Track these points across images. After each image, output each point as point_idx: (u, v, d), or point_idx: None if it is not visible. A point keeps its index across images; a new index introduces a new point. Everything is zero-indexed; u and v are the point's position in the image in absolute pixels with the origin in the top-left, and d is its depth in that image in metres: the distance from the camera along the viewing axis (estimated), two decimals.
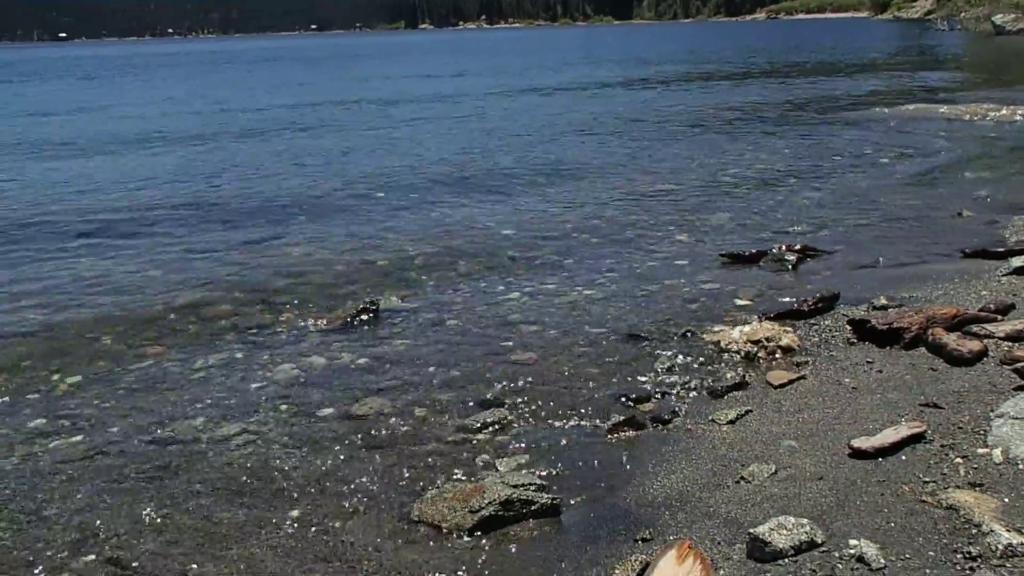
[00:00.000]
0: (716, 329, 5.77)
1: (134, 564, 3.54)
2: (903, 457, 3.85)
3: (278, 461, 4.38)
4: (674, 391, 4.98)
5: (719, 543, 3.36)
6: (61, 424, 4.92)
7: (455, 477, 4.12)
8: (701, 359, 5.39)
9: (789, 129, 16.22)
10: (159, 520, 3.87)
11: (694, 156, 13.33)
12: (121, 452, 4.55)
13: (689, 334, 5.80)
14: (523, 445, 4.47)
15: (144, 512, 3.94)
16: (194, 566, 3.51)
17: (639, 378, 5.20)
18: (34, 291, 7.31)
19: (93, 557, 3.59)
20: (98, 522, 3.87)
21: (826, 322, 5.85)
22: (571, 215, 9.54)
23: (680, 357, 5.43)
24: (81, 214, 10.41)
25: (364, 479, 4.18)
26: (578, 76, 34.40)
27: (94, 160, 14.90)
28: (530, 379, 5.26)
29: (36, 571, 3.51)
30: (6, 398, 5.27)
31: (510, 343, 5.85)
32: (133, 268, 7.94)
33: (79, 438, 4.74)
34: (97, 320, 6.62)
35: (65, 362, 5.82)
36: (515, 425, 4.66)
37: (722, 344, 5.49)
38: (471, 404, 4.93)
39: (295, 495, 4.05)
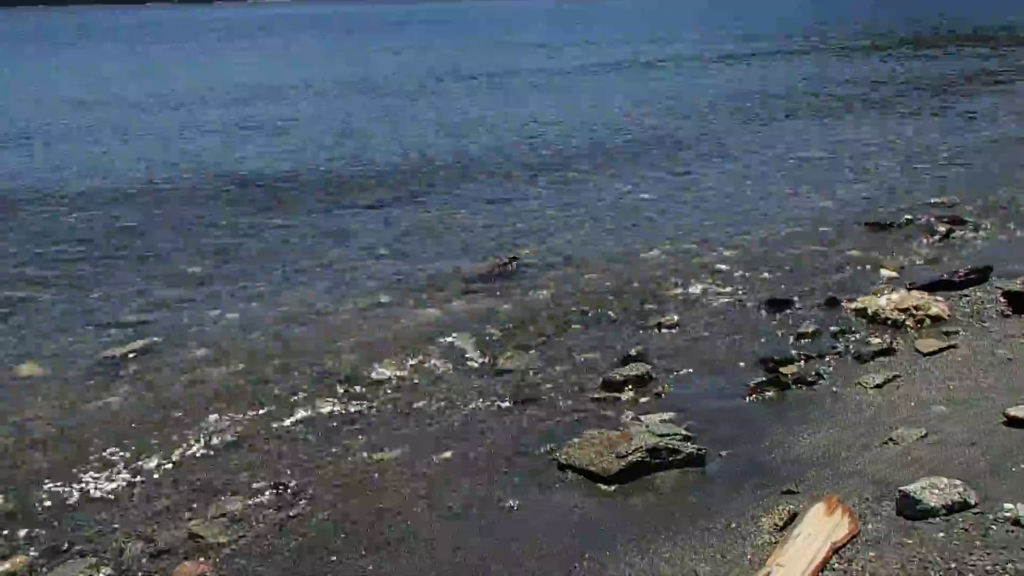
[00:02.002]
0: (861, 297, 5.70)
1: (298, 492, 3.80)
2: None
3: (427, 406, 4.59)
4: (818, 355, 4.96)
5: (867, 499, 3.38)
6: (221, 355, 5.27)
7: (600, 427, 4.25)
8: (845, 325, 5.35)
9: (937, 100, 15.54)
10: (325, 449, 4.14)
11: (835, 125, 12.98)
12: (282, 383, 4.86)
13: (833, 301, 5.75)
14: (666, 400, 4.56)
15: (310, 440, 4.22)
16: (354, 494, 3.75)
17: (782, 341, 5.20)
18: (192, 238, 7.78)
19: (263, 483, 3.88)
20: (266, 450, 4.16)
21: (978, 294, 5.70)
22: (709, 180, 9.48)
23: (824, 322, 5.40)
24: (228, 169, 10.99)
25: (511, 425, 4.36)
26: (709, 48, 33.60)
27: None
28: (671, 338, 5.34)
29: (213, 490, 3.82)
30: (171, 324, 5.68)
31: (651, 304, 5.92)
32: (283, 216, 8.33)
33: (241, 367, 5.08)
34: (248, 263, 7.01)
35: (222, 299, 6.20)
36: (658, 381, 4.75)
37: (868, 311, 5.42)
38: (613, 360, 5.04)
39: (445, 437, 4.26)
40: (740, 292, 6.06)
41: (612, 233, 7.56)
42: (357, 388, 4.80)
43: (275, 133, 13.47)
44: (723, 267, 6.59)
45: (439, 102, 16.67)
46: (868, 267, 6.48)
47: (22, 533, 3.51)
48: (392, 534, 3.45)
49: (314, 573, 3.24)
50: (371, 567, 3.24)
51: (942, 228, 7.27)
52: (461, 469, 3.95)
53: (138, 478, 3.93)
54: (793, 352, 5.03)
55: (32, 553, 3.38)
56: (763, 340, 5.25)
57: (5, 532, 3.53)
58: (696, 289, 6.16)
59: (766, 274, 6.42)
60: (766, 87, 17.46)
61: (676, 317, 5.65)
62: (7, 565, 3.32)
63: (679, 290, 6.16)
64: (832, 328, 5.33)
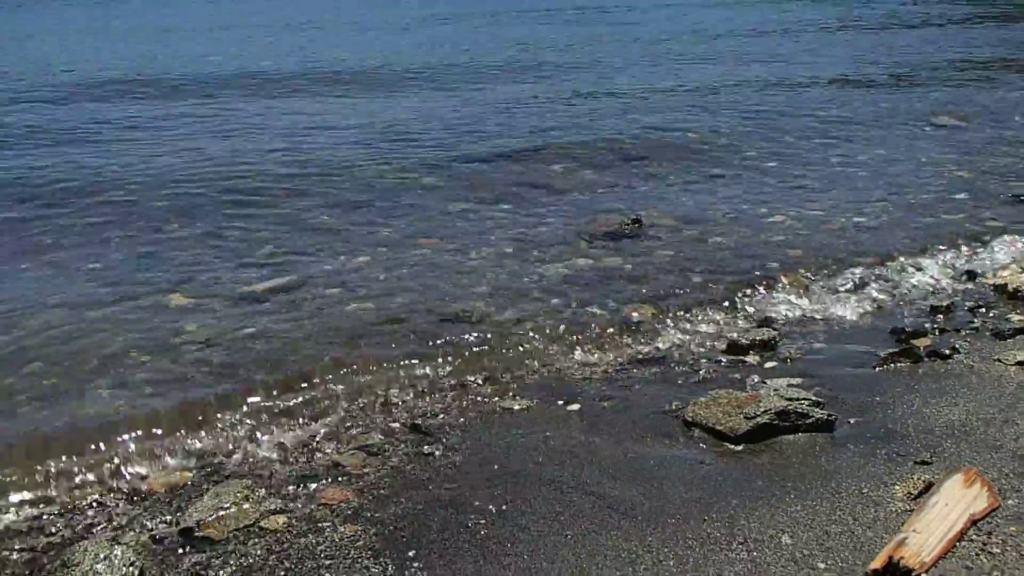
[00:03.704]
0: (1001, 271, 5.53)
1: (430, 431, 3.96)
2: None
3: (553, 352, 4.70)
4: (953, 329, 4.86)
5: (1007, 475, 3.33)
6: (353, 295, 5.46)
7: (725, 387, 4.27)
8: (983, 300, 5.22)
9: None
10: (454, 393, 4.30)
11: (979, 89, 12.40)
12: (409, 324, 5.02)
13: (970, 274, 5.59)
14: (793, 365, 4.55)
15: (439, 384, 4.40)
16: (484, 437, 3.89)
17: (914, 312, 5.11)
18: (320, 190, 7.98)
19: (398, 419, 4.06)
20: (399, 389, 4.34)
21: None
22: (838, 146, 9.22)
23: (960, 295, 5.28)
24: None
25: (635, 380, 4.42)
26: None
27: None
28: (798, 304, 5.29)
29: (353, 422, 4.03)
30: (304, 271, 5.88)
31: (775, 264, 5.86)
32: (410, 173, 8.47)
33: (371, 304, 5.28)
34: (376, 216, 7.19)
35: (351, 246, 6.40)
36: (784, 346, 4.74)
37: (1008, 287, 5.26)
38: (739, 321, 5.04)
39: (574, 385, 4.36)
40: (868, 256, 5.93)
41: (737, 197, 7.47)
42: (485, 337, 4.91)
43: (396, 93, 13.65)
44: (851, 233, 6.46)
45: (567, 63, 16.58)
46: (1010, 240, 6.24)
47: (181, 453, 3.77)
48: (522, 475, 3.57)
49: (448, 500, 3.40)
50: (503, 505, 3.36)
51: None
52: (588, 419, 4.04)
53: (282, 407, 4.14)
54: (926, 324, 4.93)
55: (193, 470, 3.64)
56: (894, 309, 5.16)
57: (170, 451, 3.79)
58: (823, 255, 6.05)
59: (896, 239, 6.26)
60: (895, 57, 16.77)
61: (803, 282, 5.58)
62: (173, 478, 3.59)
63: (803, 252, 6.07)
64: (968, 302, 5.20)
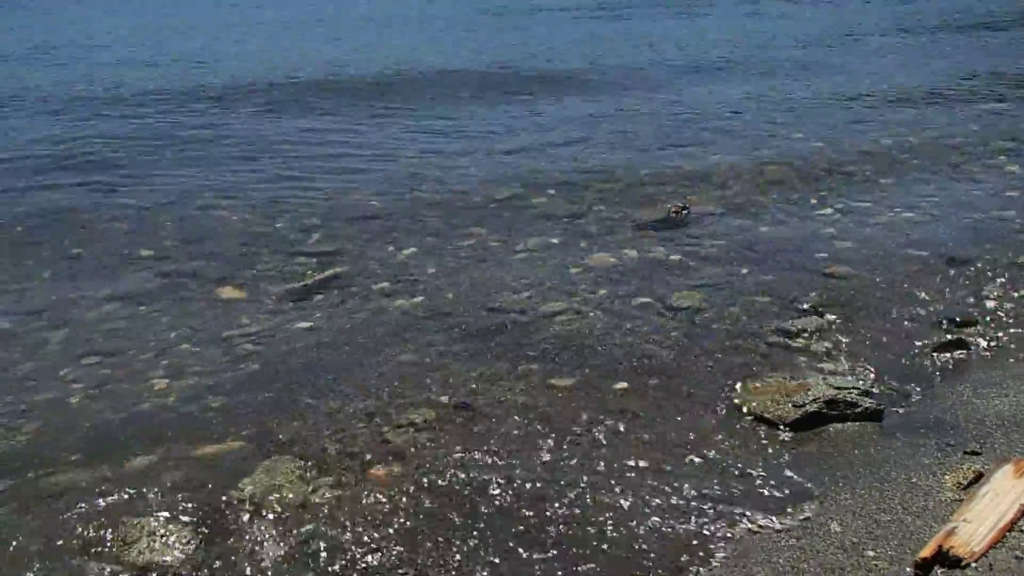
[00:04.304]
0: None
1: (479, 410, 4.00)
2: None
3: (601, 339, 4.71)
4: (1004, 320, 4.81)
5: None
6: (402, 287, 5.52)
7: (773, 374, 4.27)
8: None
9: None
10: (499, 377, 4.33)
11: None
12: (458, 315, 5.05)
13: (1021, 265, 5.52)
14: (841, 354, 4.53)
15: (488, 363, 4.43)
16: (530, 419, 3.92)
17: (964, 303, 5.06)
18: (369, 179, 8.05)
19: (446, 399, 4.10)
20: (448, 371, 4.38)
21: None
22: (889, 135, 9.12)
23: (1010, 287, 5.21)
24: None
25: (685, 364, 4.43)
26: None
27: None
28: (846, 293, 5.25)
29: (401, 402, 4.07)
30: (354, 262, 5.94)
31: (824, 255, 5.82)
32: (455, 161, 8.52)
33: (420, 299, 5.31)
34: (423, 204, 7.24)
35: (399, 237, 6.46)
36: (833, 335, 4.71)
37: None
38: (787, 309, 5.02)
39: (620, 370, 4.38)
40: (919, 250, 5.87)
41: (786, 186, 7.42)
42: (531, 320, 4.95)
43: (438, 92, 13.71)
44: (901, 225, 6.40)
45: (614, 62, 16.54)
46: None
47: (234, 430, 3.85)
48: (572, 453, 3.62)
49: (496, 476, 3.45)
50: (552, 490, 3.40)
51: None
52: (635, 400, 4.06)
53: (332, 389, 4.21)
54: (976, 314, 4.88)
55: (244, 444, 3.72)
56: (943, 300, 5.11)
57: (220, 425, 3.89)
58: (870, 243, 6.00)
59: (946, 233, 6.19)
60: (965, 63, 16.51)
61: (850, 271, 5.55)
62: (224, 447, 3.70)
63: (852, 244, 6.02)
64: (1020, 292, 5.14)
